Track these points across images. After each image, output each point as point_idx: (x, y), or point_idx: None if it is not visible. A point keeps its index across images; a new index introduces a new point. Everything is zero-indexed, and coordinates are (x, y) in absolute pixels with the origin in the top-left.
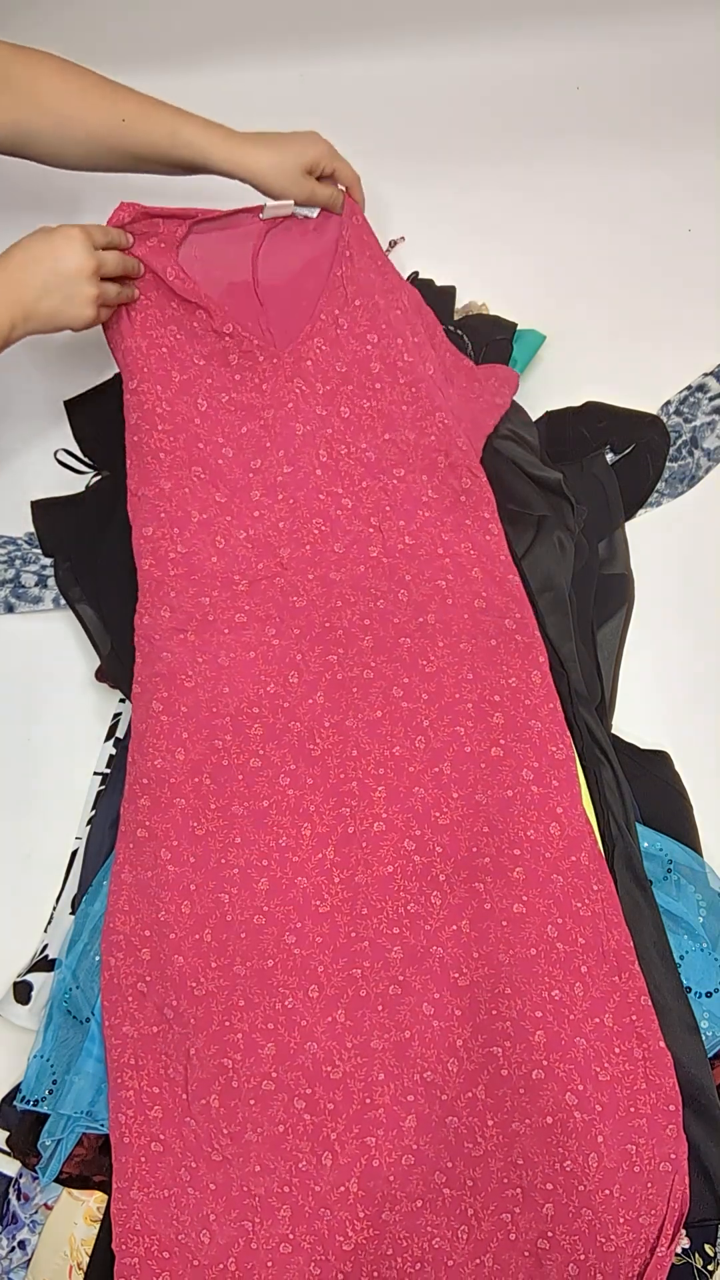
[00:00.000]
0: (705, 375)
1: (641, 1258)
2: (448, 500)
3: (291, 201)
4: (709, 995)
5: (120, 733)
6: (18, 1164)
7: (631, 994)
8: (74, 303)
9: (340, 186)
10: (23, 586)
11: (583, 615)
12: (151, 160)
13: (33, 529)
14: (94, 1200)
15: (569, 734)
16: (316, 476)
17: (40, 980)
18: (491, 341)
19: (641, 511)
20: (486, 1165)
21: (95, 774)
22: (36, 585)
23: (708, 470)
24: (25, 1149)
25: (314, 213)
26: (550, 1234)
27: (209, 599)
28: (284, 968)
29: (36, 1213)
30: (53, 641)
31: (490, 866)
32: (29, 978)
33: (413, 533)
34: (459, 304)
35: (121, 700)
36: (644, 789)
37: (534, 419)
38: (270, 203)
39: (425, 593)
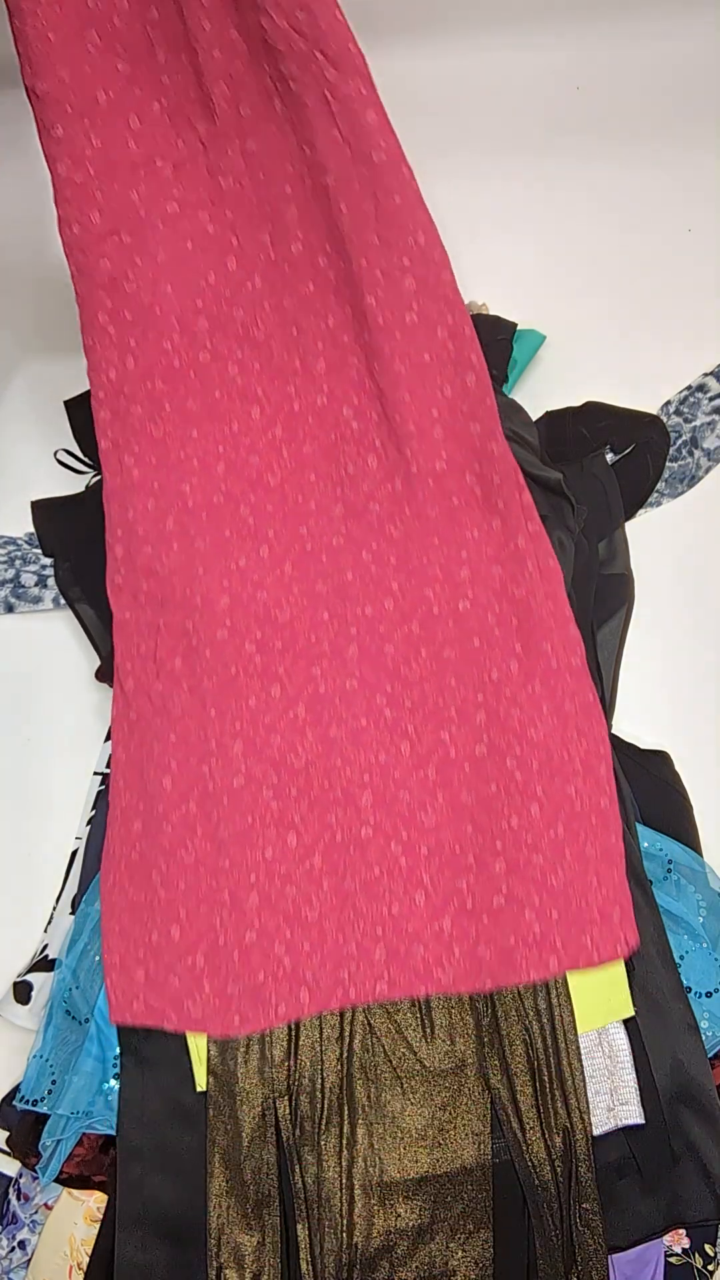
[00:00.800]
0: (705, 375)
1: (588, 884)
2: None
3: None
4: (709, 995)
5: None
6: (18, 1164)
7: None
8: None
9: None
10: (23, 586)
11: (583, 615)
12: None
13: (33, 529)
14: (94, 1200)
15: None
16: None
17: (40, 980)
18: (492, 341)
19: (641, 511)
20: (422, 688)
21: (95, 774)
22: (36, 585)
23: (708, 470)
24: (25, 1149)
25: None
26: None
27: (137, 193)
28: (238, 534)
29: (36, 1213)
30: (53, 641)
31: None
32: (29, 978)
33: None
34: None
35: None
36: (644, 789)
37: (534, 419)
38: None
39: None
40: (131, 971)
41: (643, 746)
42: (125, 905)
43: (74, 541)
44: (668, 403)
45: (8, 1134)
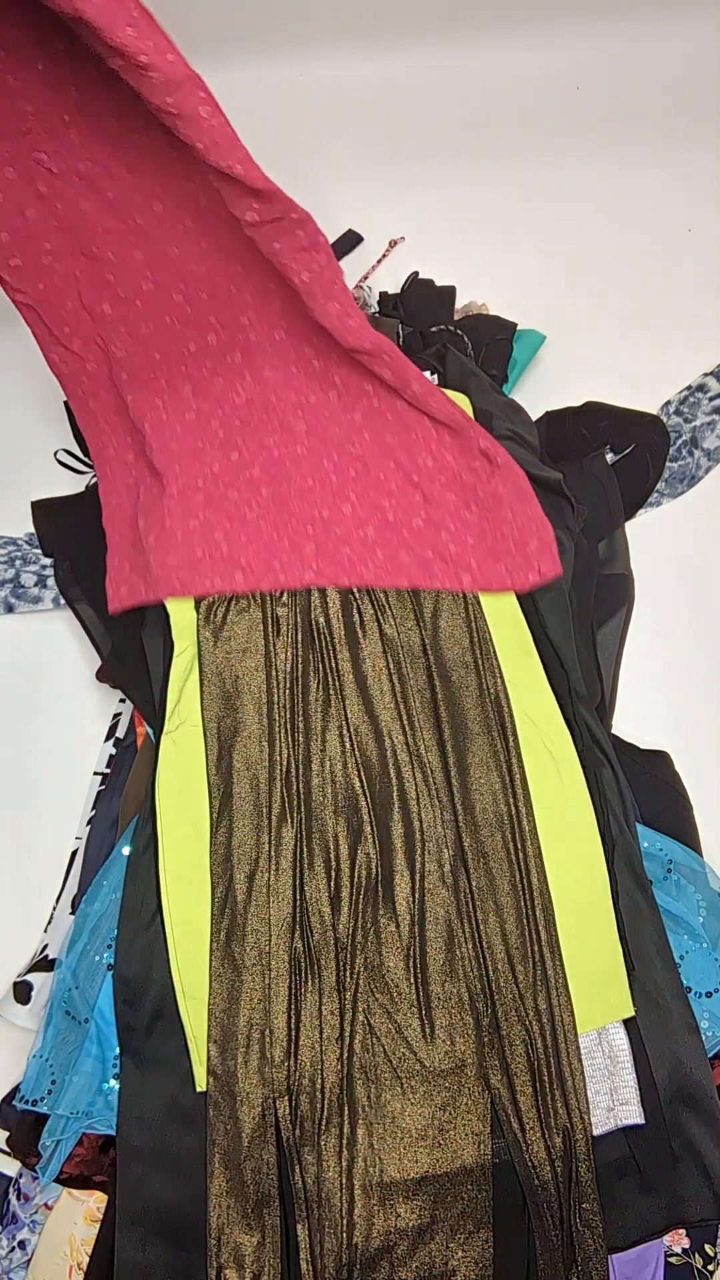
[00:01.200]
0: (705, 375)
1: (502, 517)
2: None
3: None
4: (709, 995)
5: (120, 733)
6: (18, 1164)
7: None
8: None
9: None
10: (23, 586)
11: (583, 615)
12: None
13: (33, 529)
14: (94, 1200)
15: None
16: None
17: (40, 980)
18: (492, 341)
19: (641, 511)
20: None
21: (95, 774)
22: (36, 585)
23: (708, 470)
24: (25, 1149)
25: None
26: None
27: None
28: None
29: (36, 1213)
30: (53, 641)
31: None
32: (29, 978)
33: None
34: (459, 304)
35: (121, 700)
36: (644, 789)
37: (534, 419)
38: None
39: None
40: (121, 567)
41: (643, 746)
42: (121, 519)
43: (74, 541)
44: (668, 403)
45: (8, 1134)
